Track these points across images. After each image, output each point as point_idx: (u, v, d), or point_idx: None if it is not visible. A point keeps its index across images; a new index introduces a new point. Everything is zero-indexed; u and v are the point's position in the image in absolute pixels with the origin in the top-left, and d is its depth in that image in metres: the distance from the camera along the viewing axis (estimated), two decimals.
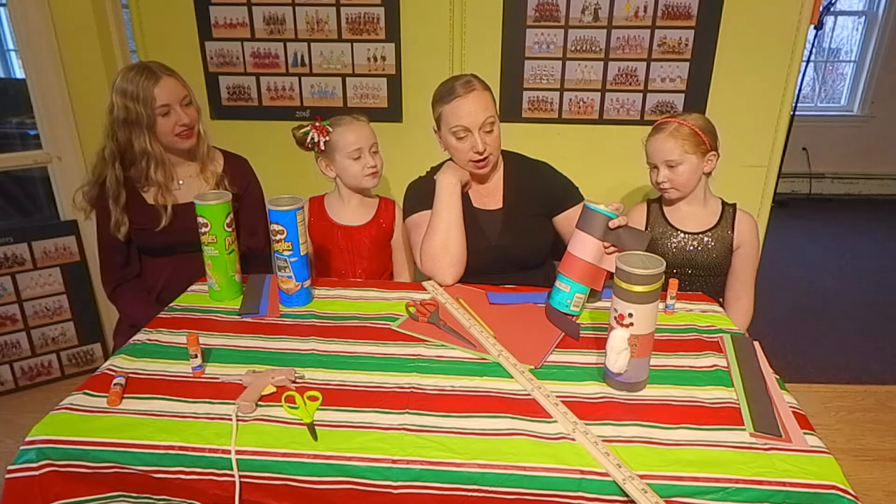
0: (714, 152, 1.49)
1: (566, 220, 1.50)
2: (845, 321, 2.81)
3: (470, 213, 1.48)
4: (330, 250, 1.61)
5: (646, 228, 1.59)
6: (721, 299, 1.59)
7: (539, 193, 1.52)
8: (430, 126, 2.16)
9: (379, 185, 1.62)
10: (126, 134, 1.47)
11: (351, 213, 1.62)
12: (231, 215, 1.29)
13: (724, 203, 1.58)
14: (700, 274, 1.55)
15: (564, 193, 1.52)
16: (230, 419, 0.90)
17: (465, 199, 1.52)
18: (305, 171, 1.63)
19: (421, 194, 1.50)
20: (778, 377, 1.02)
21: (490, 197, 1.53)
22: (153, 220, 1.54)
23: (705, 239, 1.53)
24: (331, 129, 1.53)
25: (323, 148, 1.53)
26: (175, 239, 1.56)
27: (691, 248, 1.53)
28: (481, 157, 1.41)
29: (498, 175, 1.53)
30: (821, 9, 2.34)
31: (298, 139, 1.54)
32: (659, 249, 1.55)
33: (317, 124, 1.52)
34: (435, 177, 1.45)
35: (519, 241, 1.50)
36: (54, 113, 2.04)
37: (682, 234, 1.54)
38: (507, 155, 1.55)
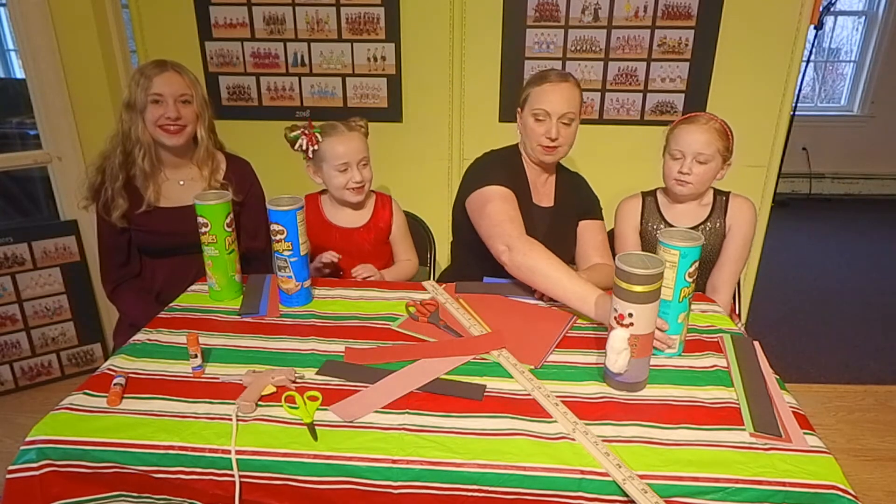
0: (730, 161, 1.49)
1: (582, 229, 1.59)
2: (845, 321, 2.81)
3: (529, 207, 1.51)
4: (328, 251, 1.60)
5: (641, 223, 1.58)
6: None
7: (579, 200, 1.60)
8: (430, 126, 2.17)
9: (363, 196, 1.58)
10: (127, 117, 1.50)
11: (347, 214, 1.60)
12: (231, 215, 1.29)
13: (715, 192, 1.56)
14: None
15: (590, 206, 1.62)
16: (230, 419, 0.89)
17: (527, 193, 1.54)
18: (305, 172, 1.63)
19: (488, 169, 1.49)
20: (778, 377, 1.02)
21: (545, 196, 1.58)
22: (153, 222, 1.54)
23: (699, 234, 1.53)
24: (320, 139, 1.50)
25: (311, 156, 1.51)
26: (175, 240, 1.55)
27: None
28: (551, 144, 1.46)
29: (553, 177, 1.60)
30: (821, 9, 2.33)
31: (290, 141, 1.51)
32: (653, 245, 1.54)
33: (307, 131, 1.49)
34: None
35: (559, 240, 1.52)
36: (54, 113, 2.04)
37: None
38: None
